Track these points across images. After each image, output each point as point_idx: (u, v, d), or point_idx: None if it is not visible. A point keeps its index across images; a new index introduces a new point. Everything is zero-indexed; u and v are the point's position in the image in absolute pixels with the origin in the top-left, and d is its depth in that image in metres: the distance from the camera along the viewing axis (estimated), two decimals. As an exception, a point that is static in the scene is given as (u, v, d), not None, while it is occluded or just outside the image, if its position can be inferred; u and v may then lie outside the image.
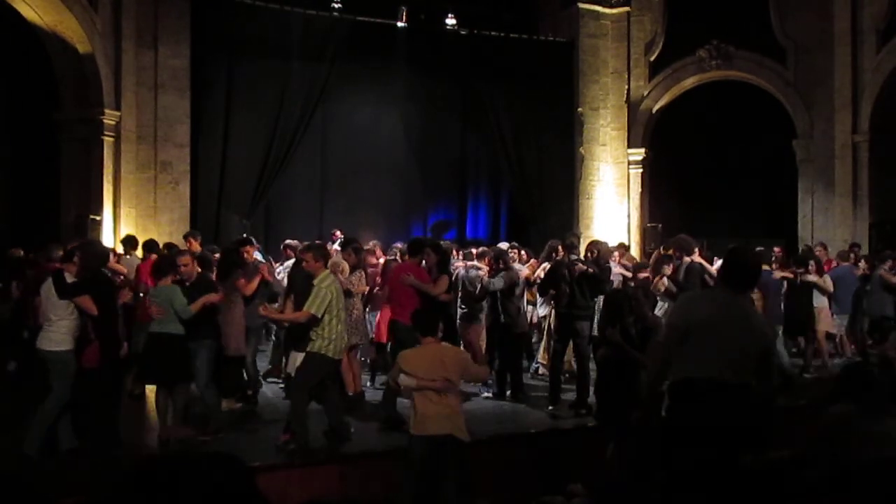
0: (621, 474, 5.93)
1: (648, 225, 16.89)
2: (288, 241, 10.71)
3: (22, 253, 10.18)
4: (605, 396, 6.56)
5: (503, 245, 11.28)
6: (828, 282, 10.39)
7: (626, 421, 6.08)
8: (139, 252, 10.22)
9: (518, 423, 7.88)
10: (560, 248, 9.32)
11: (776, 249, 12.19)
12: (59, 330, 6.49)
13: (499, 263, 8.84)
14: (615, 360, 6.27)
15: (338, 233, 12.96)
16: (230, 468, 1.57)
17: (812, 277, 10.18)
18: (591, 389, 7.48)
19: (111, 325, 6.70)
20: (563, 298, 8.34)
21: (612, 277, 9.91)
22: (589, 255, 8.74)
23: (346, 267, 8.20)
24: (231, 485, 1.54)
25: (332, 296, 6.57)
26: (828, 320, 10.45)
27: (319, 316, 6.52)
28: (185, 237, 10.55)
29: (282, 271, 10.00)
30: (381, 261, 9.94)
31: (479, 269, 9.52)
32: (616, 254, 11.37)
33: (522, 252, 11.47)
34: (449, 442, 5.29)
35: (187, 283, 7.15)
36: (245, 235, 9.93)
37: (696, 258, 10.29)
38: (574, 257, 8.69)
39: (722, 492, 4.05)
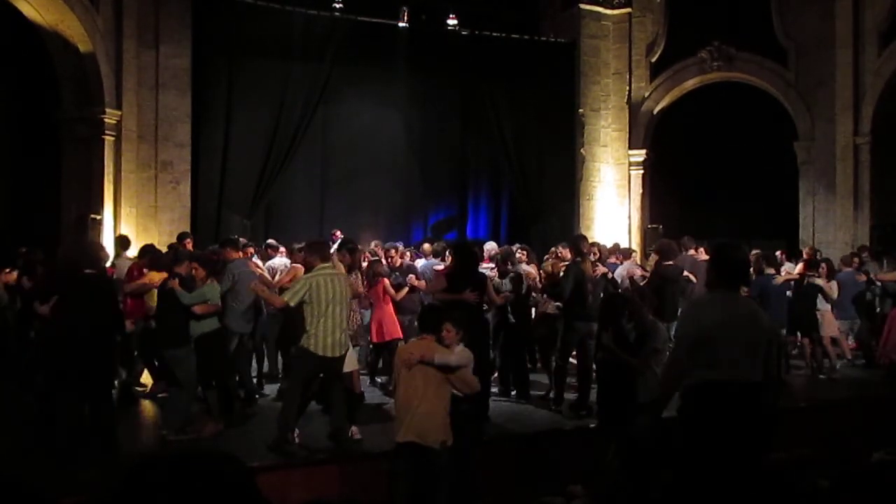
0: (621, 475, 5.92)
1: (649, 226, 16.88)
2: (269, 241, 10.91)
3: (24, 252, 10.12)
4: (605, 398, 6.56)
5: (490, 245, 11.33)
6: (834, 288, 10.43)
7: (626, 422, 6.09)
8: (131, 252, 10.18)
9: (518, 423, 7.87)
10: (569, 249, 9.29)
11: (779, 253, 12.12)
12: None
13: (507, 265, 8.81)
14: (613, 363, 6.27)
15: (338, 233, 12.93)
16: (230, 468, 1.56)
17: (820, 281, 10.19)
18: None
19: (59, 331, 6.46)
20: (586, 298, 8.30)
21: (620, 279, 9.92)
22: (592, 256, 8.72)
23: (342, 268, 7.99)
24: (231, 485, 1.53)
25: (308, 288, 6.53)
26: (832, 324, 10.50)
27: (292, 304, 6.59)
28: (182, 240, 10.48)
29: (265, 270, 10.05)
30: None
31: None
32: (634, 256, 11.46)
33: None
34: (428, 452, 5.28)
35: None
36: (235, 237, 9.92)
37: (700, 258, 10.32)
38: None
39: (741, 494, 4.03)
